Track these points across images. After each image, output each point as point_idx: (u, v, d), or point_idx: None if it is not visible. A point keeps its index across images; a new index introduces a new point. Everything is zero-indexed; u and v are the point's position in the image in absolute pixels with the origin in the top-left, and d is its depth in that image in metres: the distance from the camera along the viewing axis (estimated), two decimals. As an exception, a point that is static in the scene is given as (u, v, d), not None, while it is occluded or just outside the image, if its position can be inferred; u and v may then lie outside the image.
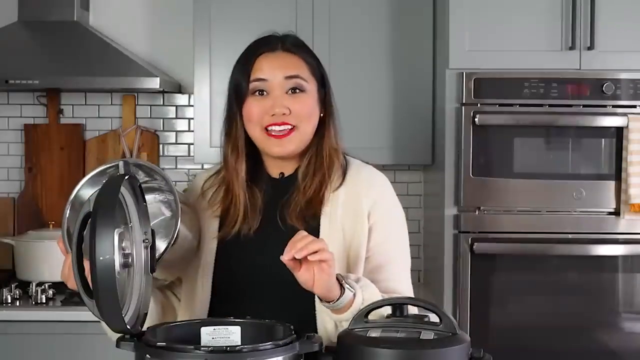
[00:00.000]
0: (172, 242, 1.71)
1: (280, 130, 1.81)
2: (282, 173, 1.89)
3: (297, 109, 1.81)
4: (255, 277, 1.82)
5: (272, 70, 1.82)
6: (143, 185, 1.75)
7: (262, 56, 1.84)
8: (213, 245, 1.86)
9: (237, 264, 1.84)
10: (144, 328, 1.59)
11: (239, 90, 1.85)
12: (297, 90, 1.82)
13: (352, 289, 1.67)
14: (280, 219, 1.83)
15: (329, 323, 1.73)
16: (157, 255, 1.70)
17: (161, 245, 1.73)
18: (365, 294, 1.68)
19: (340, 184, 1.85)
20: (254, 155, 1.89)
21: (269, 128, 1.81)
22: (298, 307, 1.75)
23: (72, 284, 1.58)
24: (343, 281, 1.67)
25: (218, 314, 1.81)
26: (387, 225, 1.86)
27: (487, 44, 2.99)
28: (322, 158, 1.85)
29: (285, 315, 1.65)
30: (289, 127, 1.81)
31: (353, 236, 1.82)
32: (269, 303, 1.75)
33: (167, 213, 1.78)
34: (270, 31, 1.90)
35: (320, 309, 1.74)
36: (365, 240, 1.83)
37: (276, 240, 1.75)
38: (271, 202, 1.86)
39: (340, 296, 1.65)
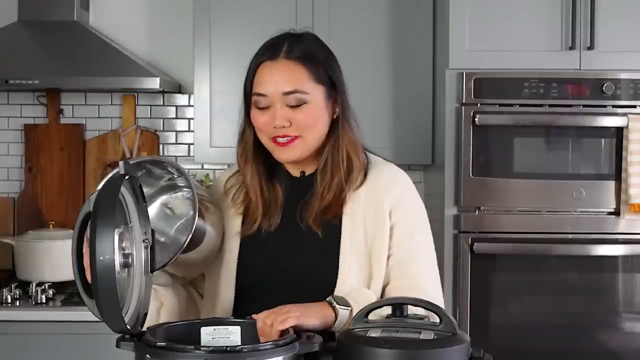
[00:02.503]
0: (188, 238, 1.70)
1: (284, 140, 1.81)
2: (302, 172, 1.90)
3: (298, 119, 1.80)
4: (276, 274, 1.84)
5: (271, 85, 1.80)
6: (167, 183, 1.78)
7: (262, 66, 1.83)
8: (236, 243, 1.88)
9: (259, 261, 1.86)
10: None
11: (246, 98, 1.86)
12: (299, 103, 1.80)
13: (346, 307, 1.69)
14: (299, 218, 1.84)
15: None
16: (177, 251, 1.69)
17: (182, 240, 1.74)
18: (359, 303, 1.69)
19: (362, 183, 1.85)
20: (271, 155, 1.89)
21: (275, 138, 1.82)
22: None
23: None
24: (334, 304, 1.68)
25: (241, 311, 1.81)
26: (409, 222, 1.86)
27: (487, 44, 2.99)
28: (339, 158, 1.84)
29: None
30: (291, 137, 1.81)
31: (375, 235, 1.82)
32: (289, 300, 1.75)
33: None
34: (282, 31, 1.88)
35: None
36: (387, 239, 1.82)
37: (296, 239, 1.80)
38: (292, 200, 1.87)
39: (336, 319, 1.67)
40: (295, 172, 1.90)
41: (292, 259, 1.82)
